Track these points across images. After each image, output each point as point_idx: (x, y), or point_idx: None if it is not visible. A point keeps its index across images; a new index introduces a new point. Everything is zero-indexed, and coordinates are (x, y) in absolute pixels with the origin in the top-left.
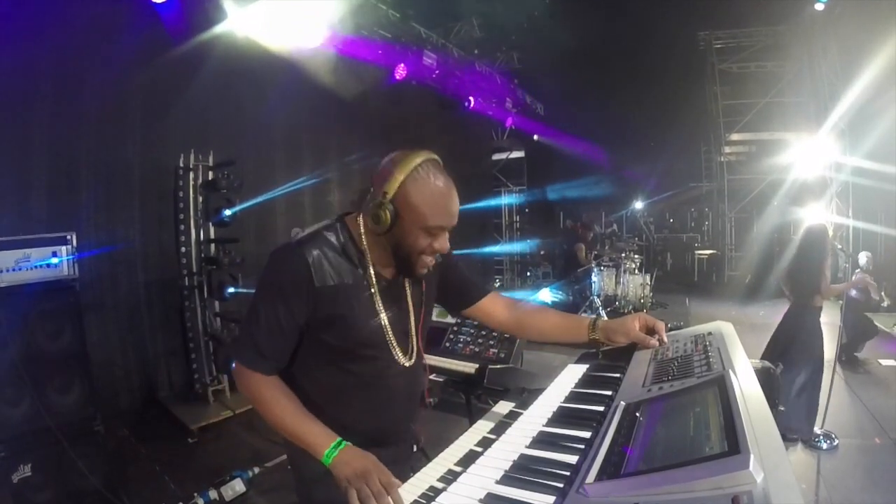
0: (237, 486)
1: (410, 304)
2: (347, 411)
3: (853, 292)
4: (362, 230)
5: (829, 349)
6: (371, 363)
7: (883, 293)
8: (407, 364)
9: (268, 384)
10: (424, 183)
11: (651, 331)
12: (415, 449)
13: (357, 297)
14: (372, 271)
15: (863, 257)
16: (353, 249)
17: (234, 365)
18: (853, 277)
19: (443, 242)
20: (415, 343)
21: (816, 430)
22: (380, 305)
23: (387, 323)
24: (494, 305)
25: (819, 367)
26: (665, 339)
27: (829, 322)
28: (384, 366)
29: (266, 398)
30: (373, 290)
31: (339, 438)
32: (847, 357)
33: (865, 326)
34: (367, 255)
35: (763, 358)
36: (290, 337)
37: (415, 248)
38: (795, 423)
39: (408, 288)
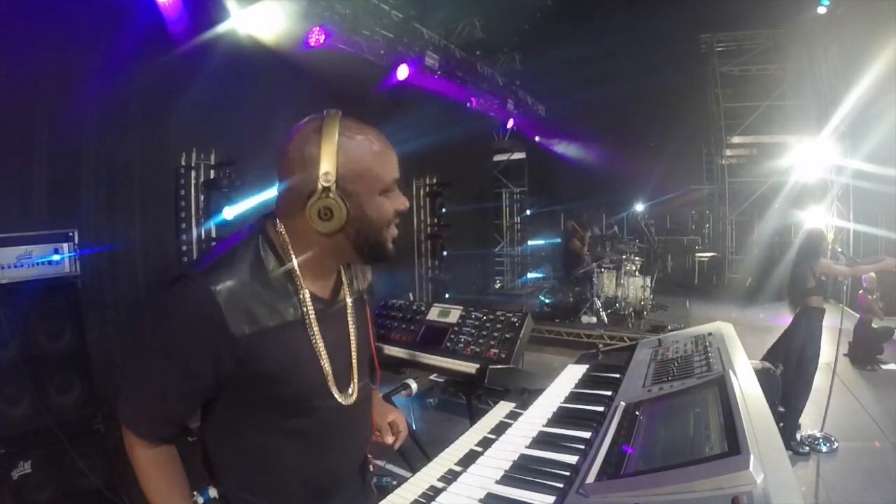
0: None
1: (351, 327)
2: (281, 473)
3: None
4: (287, 239)
5: (830, 353)
6: (312, 413)
7: (880, 306)
8: (345, 403)
9: (156, 458)
10: (360, 140)
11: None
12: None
13: (294, 336)
14: (307, 295)
15: (865, 279)
16: (279, 270)
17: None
18: (858, 294)
19: (402, 199)
20: (356, 375)
21: (816, 432)
22: (318, 339)
23: (326, 358)
24: None
25: (807, 370)
26: (393, 443)
27: (830, 326)
28: (325, 411)
29: (148, 475)
30: (308, 321)
31: None
32: (859, 357)
33: (881, 332)
34: (299, 275)
35: (764, 359)
36: (187, 401)
37: (384, 219)
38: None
39: (349, 308)
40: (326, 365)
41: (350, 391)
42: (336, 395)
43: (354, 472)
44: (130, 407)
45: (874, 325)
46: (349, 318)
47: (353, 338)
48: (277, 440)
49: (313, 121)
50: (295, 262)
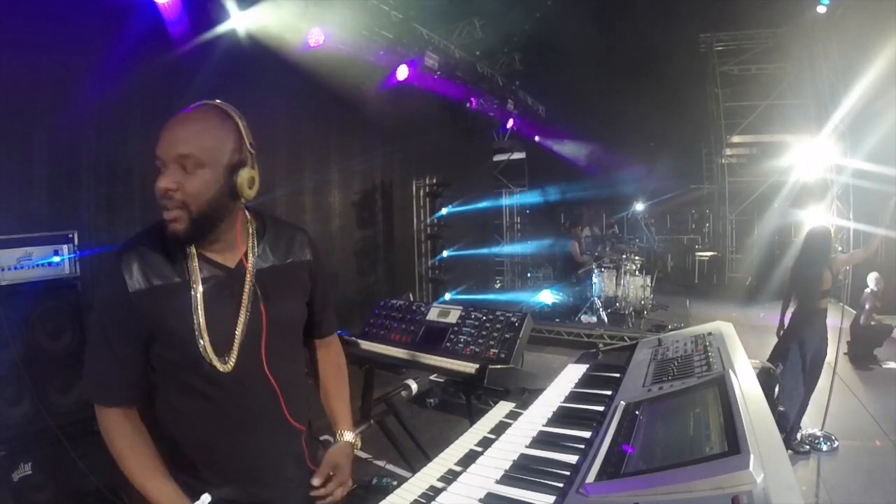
0: None
1: (245, 298)
2: (205, 441)
3: (865, 308)
4: None
5: (830, 352)
6: (195, 373)
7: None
8: (222, 369)
9: (121, 430)
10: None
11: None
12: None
13: (177, 296)
14: (195, 261)
15: (871, 279)
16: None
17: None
18: (861, 297)
19: (161, 180)
20: (235, 350)
21: (816, 431)
22: (198, 302)
23: (202, 322)
24: (327, 352)
25: (819, 370)
26: (329, 495)
27: (831, 325)
28: (207, 376)
29: (118, 447)
30: (193, 285)
31: None
32: (858, 356)
33: (879, 330)
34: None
35: (769, 360)
36: (130, 358)
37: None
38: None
39: (248, 280)
40: (200, 328)
41: (228, 358)
42: (211, 358)
43: (279, 454)
44: (92, 379)
45: (872, 323)
46: (244, 289)
47: (243, 305)
48: (186, 401)
49: None
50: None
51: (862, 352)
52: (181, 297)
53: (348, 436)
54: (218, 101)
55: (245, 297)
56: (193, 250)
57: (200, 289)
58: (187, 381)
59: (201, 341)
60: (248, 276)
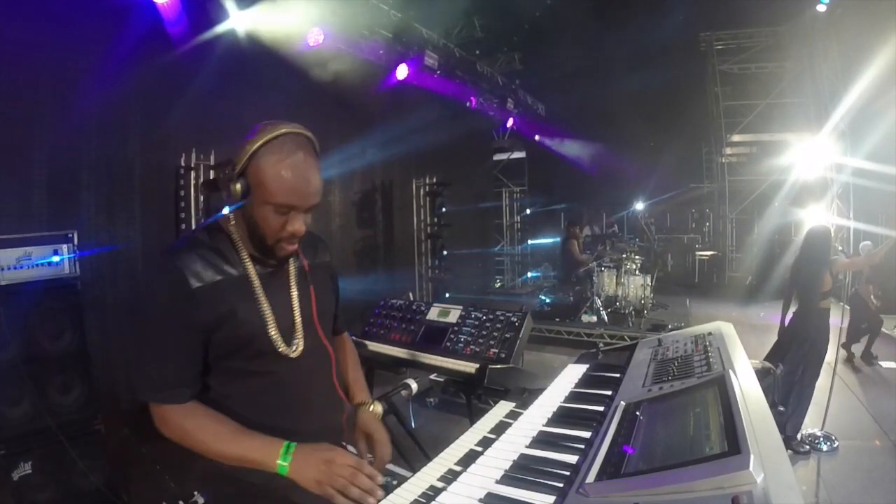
0: None
1: (294, 290)
2: (260, 416)
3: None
4: (232, 220)
5: (831, 352)
6: (260, 359)
7: (873, 297)
8: (292, 355)
9: (187, 414)
10: (276, 156)
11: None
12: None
13: (239, 290)
14: (247, 260)
15: (863, 248)
16: (226, 242)
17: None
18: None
19: (295, 225)
20: (300, 332)
21: (816, 431)
22: (260, 294)
23: (269, 313)
24: (340, 343)
25: (819, 369)
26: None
27: (832, 325)
28: (272, 360)
29: (191, 430)
30: (252, 279)
31: (285, 443)
32: (847, 350)
33: (873, 324)
34: (239, 244)
35: (767, 359)
36: (193, 354)
37: (266, 226)
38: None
39: (292, 273)
40: (269, 317)
41: (295, 345)
42: (279, 345)
43: (325, 430)
44: (153, 381)
45: (872, 299)
46: (291, 282)
47: (294, 298)
48: (241, 388)
49: (270, 122)
50: (235, 234)
51: (854, 334)
52: (243, 288)
53: (369, 404)
54: (304, 129)
55: (293, 286)
56: (244, 250)
57: (257, 281)
58: (243, 365)
59: (269, 327)
60: (291, 267)
